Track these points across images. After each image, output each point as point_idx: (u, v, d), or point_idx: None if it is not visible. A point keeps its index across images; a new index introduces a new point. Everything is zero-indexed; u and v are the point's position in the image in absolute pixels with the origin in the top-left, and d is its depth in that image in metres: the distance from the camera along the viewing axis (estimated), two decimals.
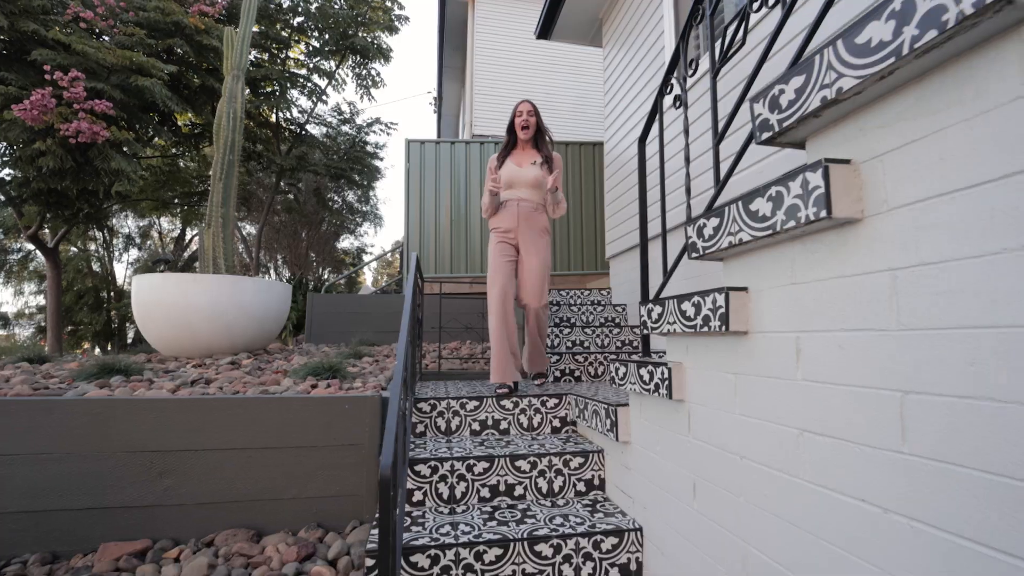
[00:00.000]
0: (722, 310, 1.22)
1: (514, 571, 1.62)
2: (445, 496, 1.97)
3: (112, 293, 13.74)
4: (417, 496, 1.95)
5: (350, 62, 7.43)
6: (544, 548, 1.64)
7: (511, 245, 2.79)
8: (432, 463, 1.98)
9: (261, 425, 1.95)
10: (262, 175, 7.82)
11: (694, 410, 1.45)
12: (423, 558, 1.56)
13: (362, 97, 7.65)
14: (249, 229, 7.76)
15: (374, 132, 7.71)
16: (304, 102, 6.88)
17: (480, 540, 1.61)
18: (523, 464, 2.05)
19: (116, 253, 14.73)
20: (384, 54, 7.50)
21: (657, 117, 2.06)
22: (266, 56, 5.54)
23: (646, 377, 1.66)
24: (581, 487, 2.09)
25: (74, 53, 3.81)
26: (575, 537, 1.67)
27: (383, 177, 9.33)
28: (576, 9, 5.00)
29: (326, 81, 7.03)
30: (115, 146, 3.99)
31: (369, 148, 7.67)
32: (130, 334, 13.95)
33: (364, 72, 7.50)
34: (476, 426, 2.46)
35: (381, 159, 8.63)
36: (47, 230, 6.95)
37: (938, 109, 0.78)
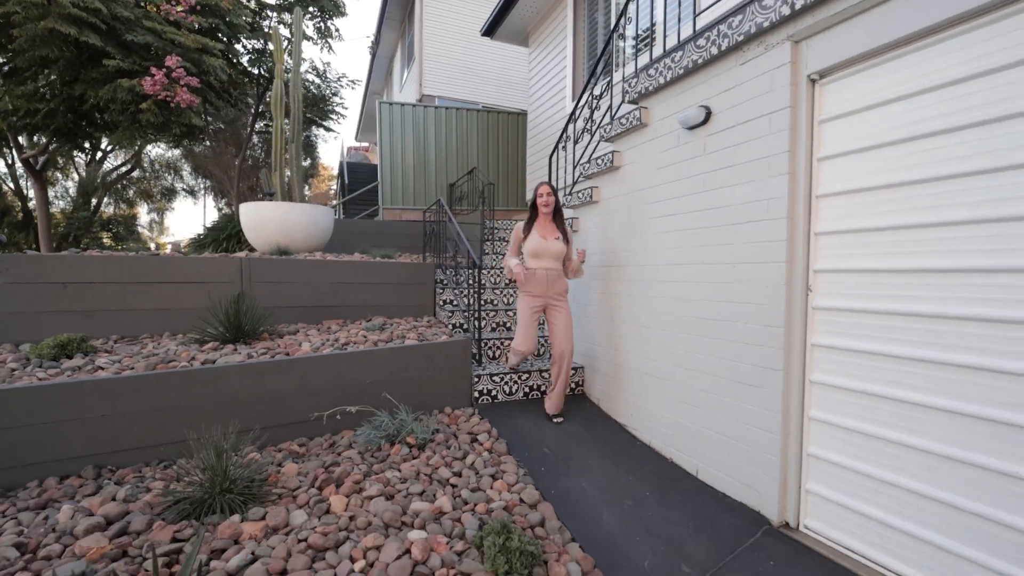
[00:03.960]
0: (593, 191, 3.85)
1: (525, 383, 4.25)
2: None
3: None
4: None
5: (309, 15, 8.77)
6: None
7: (539, 305, 3.33)
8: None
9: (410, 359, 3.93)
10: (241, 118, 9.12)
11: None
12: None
13: (322, 49, 8.95)
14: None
15: (340, 86, 9.20)
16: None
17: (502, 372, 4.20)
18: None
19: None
20: (340, 10, 8.90)
21: (559, 145, 4.58)
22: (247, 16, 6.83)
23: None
24: None
25: (164, 38, 5.21)
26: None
27: (344, 120, 10.89)
28: (513, 22, 7.18)
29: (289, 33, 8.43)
30: (192, 109, 5.56)
31: (337, 99, 9.19)
32: None
33: (323, 27, 8.87)
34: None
35: (346, 108, 10.20)
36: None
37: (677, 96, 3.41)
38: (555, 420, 3.33)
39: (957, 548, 1.69)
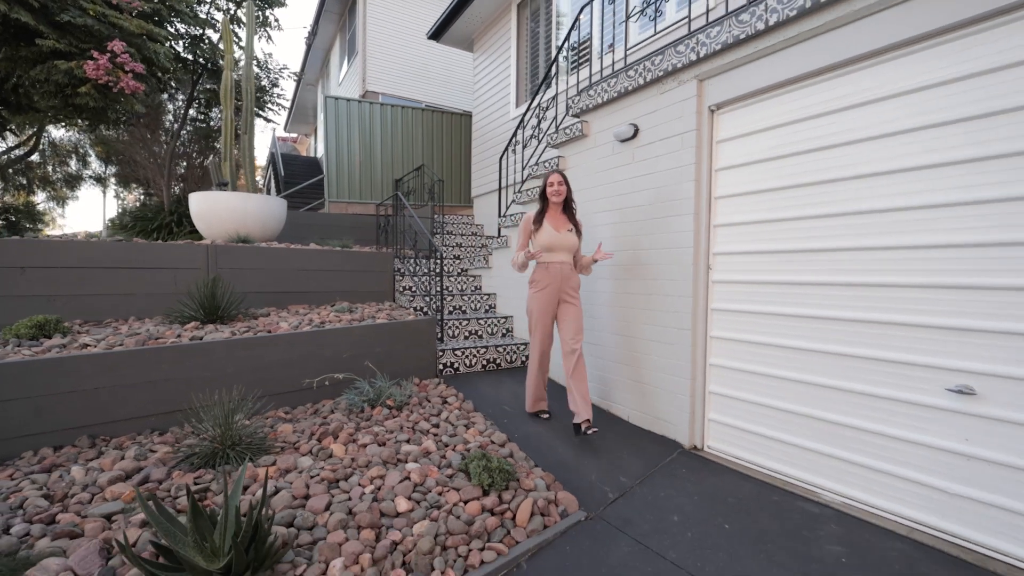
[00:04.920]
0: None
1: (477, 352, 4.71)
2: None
3: None
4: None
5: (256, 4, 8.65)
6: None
7: (553, 302, 3.08)
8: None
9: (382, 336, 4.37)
10: (172, 106, 8.70)
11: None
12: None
13: (260, 39, 8.76)
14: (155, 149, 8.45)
15: (281, 77, 9.07)
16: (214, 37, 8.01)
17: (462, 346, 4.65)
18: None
19: None
20: (280, 0, 8.82)
21: (509, 148, 5.10)
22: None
23: (500, 241, 4.81)
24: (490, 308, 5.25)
25: (105, 21, 4.99)
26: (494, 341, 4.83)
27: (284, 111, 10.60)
28: (459, 28, 7.59)
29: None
30: (136, 96, 5.38)
31: (277, 90, 9.05)
32: None
33: (263, 16, 8.73)
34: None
35: (287, 100, 10.04)
36: None
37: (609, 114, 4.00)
38: (586, 432, 2.77)
39: (815, 446, 2.43)
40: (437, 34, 7.86)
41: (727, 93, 2.73)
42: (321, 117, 13.87)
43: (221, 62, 8.06)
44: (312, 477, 2.28)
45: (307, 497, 2.13)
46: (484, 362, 4.21)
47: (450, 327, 4.45)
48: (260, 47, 9.43)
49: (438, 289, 4.24)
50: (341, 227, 7.20)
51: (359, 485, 2.24)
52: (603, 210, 3.54)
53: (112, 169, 14.35)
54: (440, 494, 2.21)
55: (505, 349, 4.33)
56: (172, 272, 3.87)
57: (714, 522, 2.17)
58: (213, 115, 8.80)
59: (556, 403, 3.44)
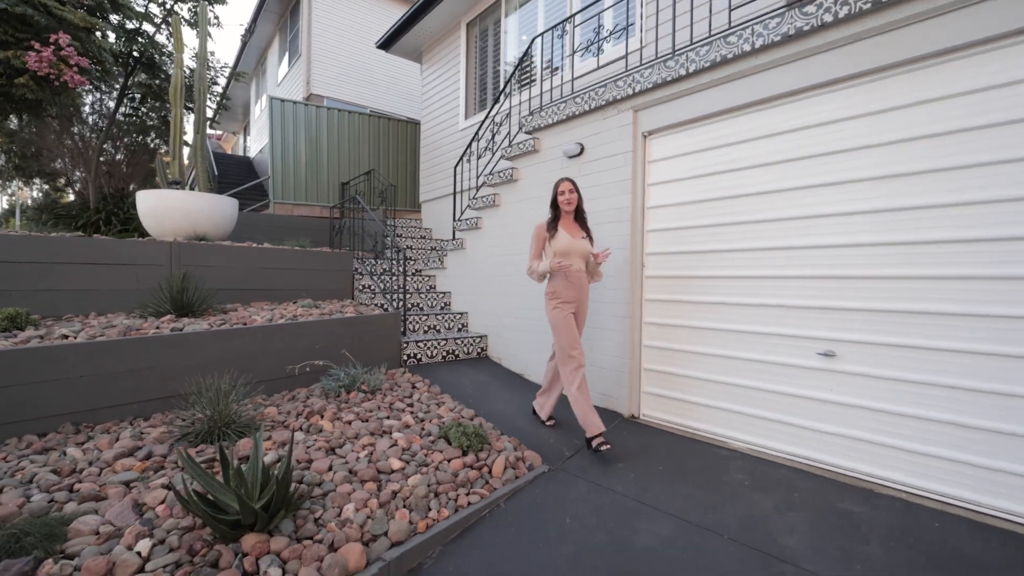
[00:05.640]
0: (496, 196, 4.84)
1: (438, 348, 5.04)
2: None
3: None
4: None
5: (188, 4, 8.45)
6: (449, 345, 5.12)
7: (573, 311, 3.07)
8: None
9: (352, 328, 4.66)
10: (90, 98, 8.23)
11: (469, 248, 5.07)
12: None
13: (197, 36, 8.55)
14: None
15: (222, 76, 8.83)
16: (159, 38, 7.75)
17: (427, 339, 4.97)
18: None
19: None
20: None
21: (463, 158, 5.51)
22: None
23: (454, 244, 5.22)
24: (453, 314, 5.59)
25: (50, 13, 4.71)
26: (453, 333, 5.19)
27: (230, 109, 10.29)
28: (409, 40, 7.91)
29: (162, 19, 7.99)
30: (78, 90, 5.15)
31: (218, 88, 8.79)
32: None
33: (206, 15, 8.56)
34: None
35: (228, 98, 9.77)
36: None
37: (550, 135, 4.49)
38: (601, 449, 2.78)
39: (724, 405, 3.06)
40: (387, 44, 8.12)
41: (657, 123, 3.35)
42: (264, 118, 13.51)
43: (163, 58, 7.82)
44: (309, 447, 2.56)
45: (310, 461, 2.42)
46: (444, 353, 4.57)
47: (410, 322, 4.77)
48: (195, 44, 9.14)
49: (400, 286, 4.55)
50: (288, 228, 7.22)
51: (353, 451, 2.55)
52: None
53: (4, 160, 12.97)
54: (426, 455, 2.58)
55: (463, 341, 4.72)
56: (134, 268, 3.89)
57: (650, 466, 2.71)
58: (146, 111, 8.43)
59: (515, 393, 3.88)
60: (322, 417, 2.96)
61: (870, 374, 2.52)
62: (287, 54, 11.97)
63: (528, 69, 5.46)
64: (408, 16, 7.36)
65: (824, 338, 2.67)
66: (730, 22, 3.06)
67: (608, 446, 2.79)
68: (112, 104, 8.16)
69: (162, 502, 1.98)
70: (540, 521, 2.20)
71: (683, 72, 3.10)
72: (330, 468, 2.36)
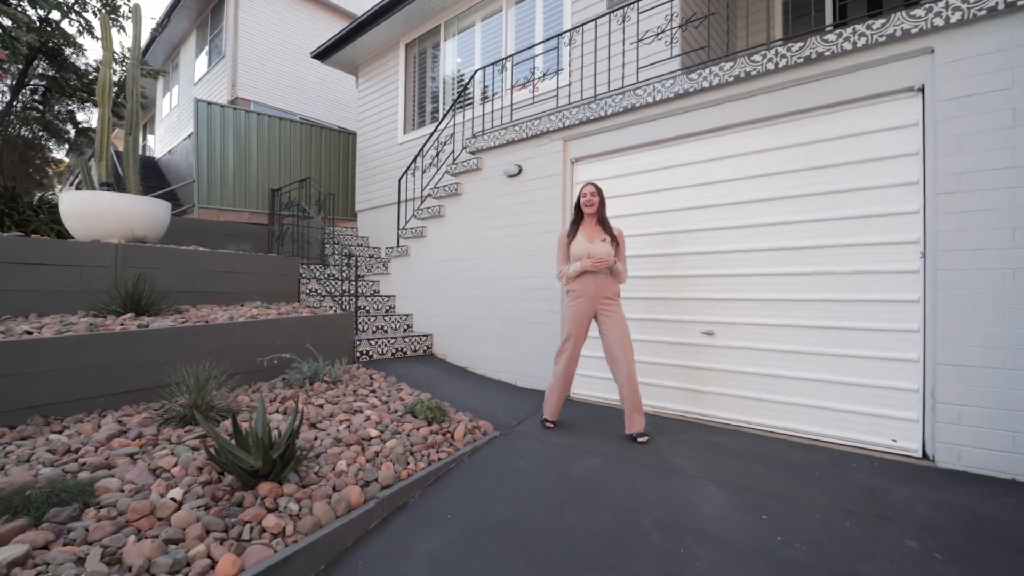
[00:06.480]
0: (441, 208, 5.32)
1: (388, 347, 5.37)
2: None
3: None
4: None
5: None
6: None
7: (586, 311, 3.20)
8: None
9: (309, 326, 4.91)
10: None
11: (414, 256, 5.52)
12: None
13: (118, 31, 8.01)
14: None
15: (145, 76, 8.38)
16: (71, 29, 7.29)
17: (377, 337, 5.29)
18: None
19: None
20: None
21: (408, 171, 5.96)
22: None
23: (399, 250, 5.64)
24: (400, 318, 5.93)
25: None
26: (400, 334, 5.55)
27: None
28: (347, 54, 8.19)
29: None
30: None
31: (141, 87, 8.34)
32: None
33: (114, 4, 8.14)
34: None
35: (146, 96, 9.25)
36: None
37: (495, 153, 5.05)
38: (639, 440, 3.07)
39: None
40: (323, 55, 8.32)
41: (581, 152, 4.10)
42: (175, 117, 12.81)
43: (71, 50, 7.38)
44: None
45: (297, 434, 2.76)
46: (393, 351, 4.96)
47: (360, 323, 5.10)
48: (120, 40, 8.74)
49: (349, 289, 4.89)
50: (217, 233, 7.13)
51: (333, 425, 2.93)
52: (495, 227, 4.67)
53: None
54: (397, 426, 3.03)
55: (410, 340, 5.14)
56: (78, 269, 3.89)
57: (581, 426, 3.37)
58: (44, 108, 7.83)
59: (463, 382, 4.39)
60: (295, 402, 3.28)
61: (737, 346, 3.39)
62: (206, 53, 11.54)
63: (470, 97, 6.07)
64: (347, 31, 7.67)
65: (706, 321, 3.51)
66: (638, 78, 3.89)
67: (551, 426, 3.39)
68: (6, 95, 7.52)
69: (175, 465, 2.26)
70: (498, 467, 2.75)
71: (603, 113, 3.88)
72: (316, 438, 2.74)
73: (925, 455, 2.77)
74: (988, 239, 2.56)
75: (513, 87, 4.93)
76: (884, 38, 2.83)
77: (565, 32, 4.59)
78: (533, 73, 4.87)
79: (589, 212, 3.26)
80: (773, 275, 3.27)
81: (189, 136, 10.28)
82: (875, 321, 2.93)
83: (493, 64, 4.97)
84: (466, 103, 6.08)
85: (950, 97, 2.67)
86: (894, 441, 2.86)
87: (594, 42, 4.34)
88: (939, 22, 2.68)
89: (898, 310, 2.87)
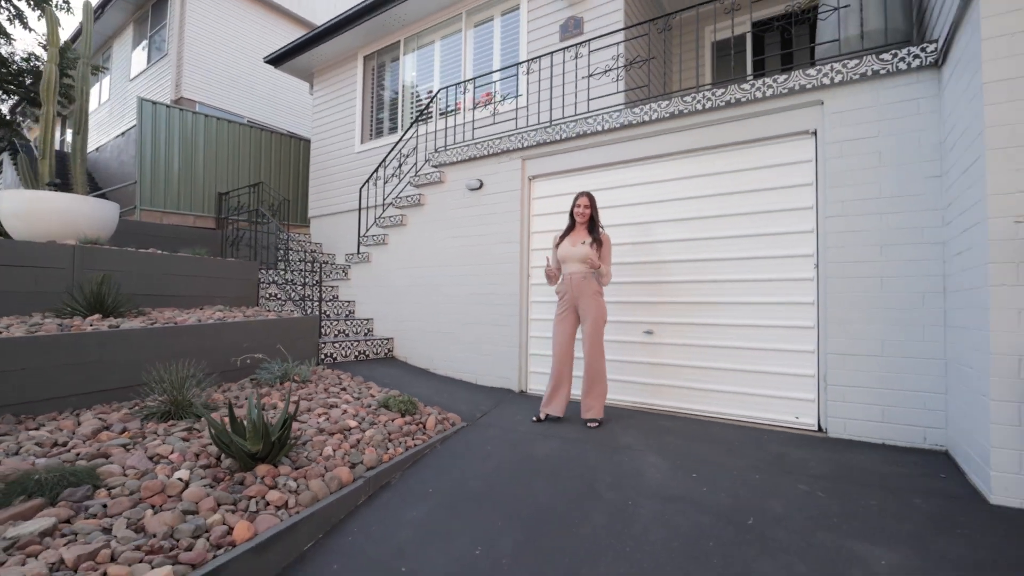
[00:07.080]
0: (403, 217, 5.56)
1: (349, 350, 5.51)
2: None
3: None
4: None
5: None
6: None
7: (570, 307, 3.57)
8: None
9: (276, 329, 4.94)
10: None
11: (377, 264, 5.73)
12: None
13: (39, 19, 7.53)
14: None
15: (73, 67, 7.93)
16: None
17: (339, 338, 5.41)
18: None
19: None
20: None
21: (369, 180, 6.16)
22: None
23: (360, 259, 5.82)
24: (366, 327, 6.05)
25: None
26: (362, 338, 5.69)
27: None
28: (302, 61, 8.25)
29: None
30: None
31: (68, 80, 7.85)
32: None
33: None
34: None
35: (71, 87, 8.75)
36: None
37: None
38: (589, 425, 3.51)
39: (581, 375, 4.26)
40: (277, 61, 8.33)
41: (538, 170, 4.54)
42: (105, 113, 12.13)
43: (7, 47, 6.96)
44: (272, 418, 3.06)
45: None
46: (356, 353, 5.14)
47: (322, 327, 5.23)
48: (43, 29, 8.27)
49: (312, 293, 5.03)
50: (162, 237, 6.93)
51: (313, 418, 3.13)
52: (457, 236, 5.01)
53: None
54: (374, 418, 3.27)
55: (372, 343, 5.33)
56: (32, 271, 3.81)
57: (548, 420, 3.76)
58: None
59: (427, 381, 4.66)
60: (270, 399, 3.43)
61: (674, 343, 3.93)
62: (144, 49, 11.06)
63: (430, 113, 6.39)
64: (306, 39, 7.75)
65: (647, 322, 4.03)
66: (588, 107, 4.41)
67: (535, 420, 3.66)
68: None
69: (172, 452, 2.41)
70: (469, 451, 3.07)
71: (558, 137, 4.35)
72: (299, 429, 2.93)
73: (820, 428, 3.39)
74: (862, 253, 3.23)
75: (476, 106, 5.31)
76: (787, 90, 3.49)
77: (523, 62, 5.05)
78: (494, 95, 5.29)
79: (581, 221, 3.59)
80: (702, 281, 3.84)
81: (123, 134, 9.78)
82: (782, 319, 3.55)
83: (456, 85, 5.33)
84: (428, 118, 6.39)
85: (835, 140, 3.35)
86: (796, 418, 3.47)
87: (550, 69, 4.83)
88: (827, 81, 3.36)
89: (798, 310, 3.51)
